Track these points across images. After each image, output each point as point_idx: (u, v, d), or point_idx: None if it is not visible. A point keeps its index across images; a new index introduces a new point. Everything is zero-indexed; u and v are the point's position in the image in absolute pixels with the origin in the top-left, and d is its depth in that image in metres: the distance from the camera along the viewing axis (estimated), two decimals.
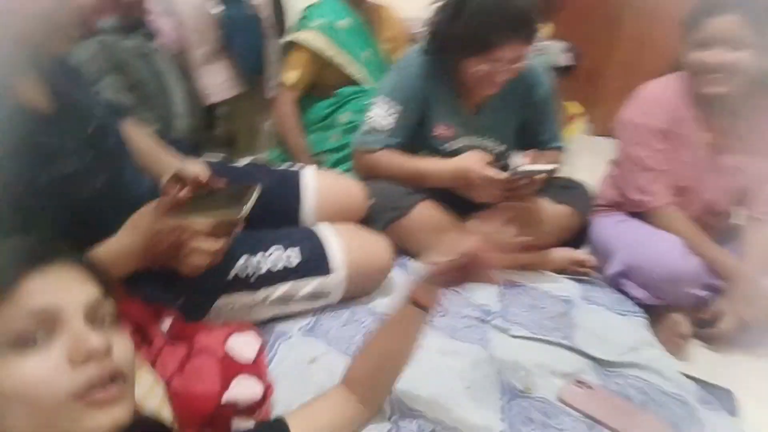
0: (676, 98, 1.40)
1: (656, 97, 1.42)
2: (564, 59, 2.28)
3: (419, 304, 0.80)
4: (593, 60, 3.02)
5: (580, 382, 1.03)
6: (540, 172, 1.23)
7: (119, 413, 0.49)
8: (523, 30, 1.19)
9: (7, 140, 0.67)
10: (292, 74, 1.78)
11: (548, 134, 1.46)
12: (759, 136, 1.40)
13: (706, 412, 1.02)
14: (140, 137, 1.04)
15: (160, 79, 1.41)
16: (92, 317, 0.51)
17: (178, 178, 0.98)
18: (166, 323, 0.87)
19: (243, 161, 1.36)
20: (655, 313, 1.32)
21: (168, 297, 0.92)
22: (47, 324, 0.48)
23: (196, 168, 1.01)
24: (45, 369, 0.46)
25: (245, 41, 1.70)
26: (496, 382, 1.01)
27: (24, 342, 0.46)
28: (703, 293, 1.34)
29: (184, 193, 0.83)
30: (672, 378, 1.09)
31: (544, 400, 0.99)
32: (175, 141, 1.17)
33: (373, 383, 0.80)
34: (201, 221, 0.82)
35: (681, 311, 1.32)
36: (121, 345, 0.52)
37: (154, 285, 0.89)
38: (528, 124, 1.45)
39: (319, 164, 1.81)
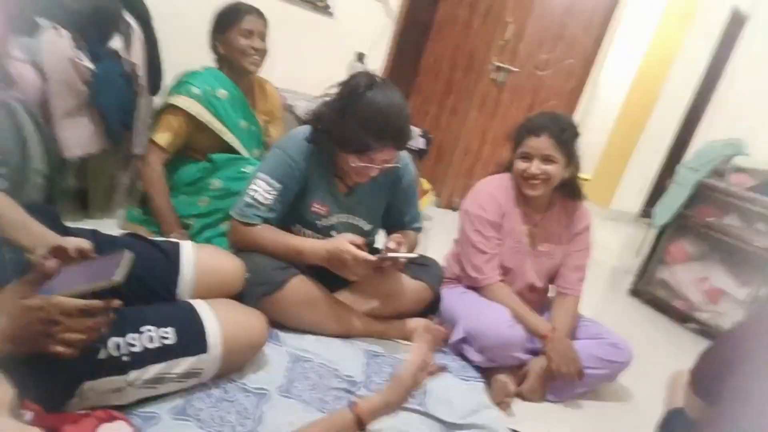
0: (505, 196, 1.72)
1: (490, 194, 1.72)
2: (419, 143, 2.58)
3: (360, 420, 0.91)
4: (440, 143, 3.45)
5: None
6: (405, 257, 1.40)
7: None
8: (397, 140, 1.38)
9: None
10: (165, 135, 1.77)
11: (410, 216, 1.66)
12: (561, 226, 1.77)
13: None
14: (3, 205, 0.97)
15: (17, 131, 1.30)
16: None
17: (58, 251, 0.94)
18: (27, 416, 0.81)
19: (116, 229, 1.30)
20: (485, 374, 1.56)
21: (25, 385, 0.85)
22: None
23: (78, 240, 0.96)
24: None
25: (115, 98, 1.66)
26: None
27: None
28: (524, 356, 1.62)
29: (52, 264, 0.79)
30: None
31: None
32: (40, 208, 1.10)
33: None
34: (72, 296, 0.78)
35: (507, 373, 1.58)
36: None
37: (9, 373, 0.83)
38: (394, 206, 1.64)
39: (185, 227, 1.78)
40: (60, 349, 0.78)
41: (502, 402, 1.50)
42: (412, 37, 3.38)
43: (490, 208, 1.70)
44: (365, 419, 0.94)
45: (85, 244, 0.93)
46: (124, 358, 0.98)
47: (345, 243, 1.33)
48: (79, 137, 1.61)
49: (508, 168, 1.77)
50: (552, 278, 1.83)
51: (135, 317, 1.03)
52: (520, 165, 1.65)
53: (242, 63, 1.84)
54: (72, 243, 0.91)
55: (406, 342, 1.57)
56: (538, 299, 1.83)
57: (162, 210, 1.75)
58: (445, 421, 1.28)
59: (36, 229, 0.97)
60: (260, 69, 1.92)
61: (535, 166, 1.62)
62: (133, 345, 0.99)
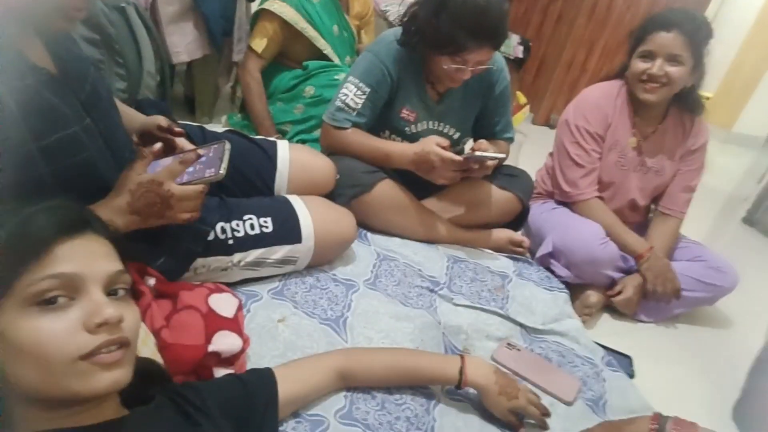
0: (612, 105, 1.59)
1: (595, 102, 1.59)
2: (518, 51, 2.42)
3: (463, 380, 0.93)
4: (542, 55, 3.21)
5: (510, 345, 1.20)
6: (491, 158, 1.36)
7: (120, 375, 0.55)
8: (494, 38, 1.30)
9: (20, 98, 0.70)
10: (262, 42, 1.81)
11: (502, 125, 1.60)
12: (675, 141, 1.62)
13: (609, 373, 1.24)
14: None
15: (132, 35, 1.40)
16: (109, 288, 0.57)
17: (143, 133, 1.04)
18: (151, 281, 0.93)
19: (220, 128, 1.39)
20: (573, 289, 1.53)
21: (149, 257, 0.98)
22: (70, 289, 0.53)
23: (157, 118, 1.05)
24: (61, 329, 0.52)
25: (217, 4, 1.70)
26: (440, 344, 1.16)
27: (46, 301, 0.52)
28: (616, 275, 1.57)
29: (158, 146, 0.88)
30: (584, 344, 1.30)
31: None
32: (153, 103, 1.20)
33: (364, 382, 0.93)
34: (174, 166, 0.85)
35: (595, 288, 1.54)
36: (131, 316, 0.58)
37: (137, 245, 0.95)
38: (485, 114, 1.59)
39: (282, 134, 1.86)
40: (181, 215, 0.86)
41: (585, 314, 1.48)
42: None
43: (594, 119, 1.58)
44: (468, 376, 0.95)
45: (162, 121, 1.02)
46: (229, 242, 1.08)
47: (432, 144, 1.32)
48: (184, 43, 1.69)
49: (618, 74, 1.62)
50: (656, 197, 1.71)
51: (238, 207, 1.13)
52: (640, 65, 1.48)
53: None
54: (151, 121, 1.01)
55: (489, 251, 1.58)
56: (637, 218, 1.73)
57: (259, 115, 1.84)
58: (525, 326, 1.30)
59: (134, 115, 1.06)
60: None
61: (658, 67, 1.45)
62: (236, 230, 1.09)
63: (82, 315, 0.53)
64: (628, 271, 1.59)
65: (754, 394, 1.26)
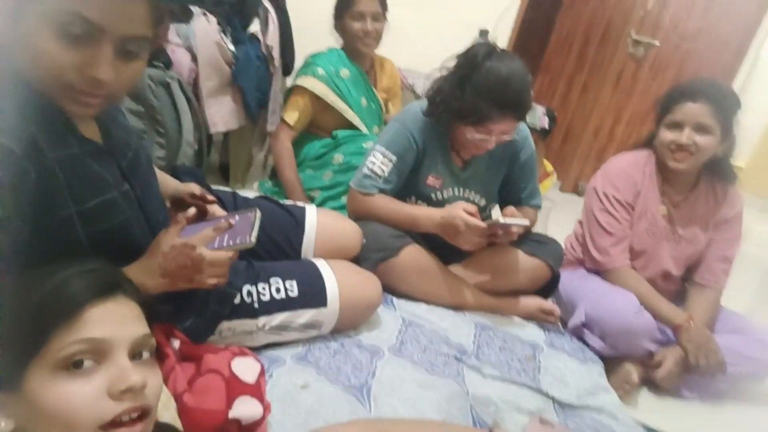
0: (640, 173, 1.58)
1: (623, 170, 1.59)
2: (543, 122, 2.47)
3: None
4: (569, 124, 3.27)
5: (543, 420, 1.14)
6: (518, 225, 1.36)
7: None
8: (517, 109, 1.34)
9: (65, 166, 0.75)
10: (294, 114, 1.90)
11: (528, 192, 1.61)
12: (707, 210, 1.59)
13: None
14: None
15: (175, 108, 1.50)
16: (135, 352, 0.58)
17: (177, 200, 1.08)
18: (176, 343, 0.94)
19: (252, 194, 1.45)
20: (609, 362, 1.46)
21: (176, 319, 0.99)
22: (97, 353, 0.54)
23: (191, 186, 1.10)
24: (85, 395, 0.52)
25: (254, 78, 1.82)
26: (468, 415, 1.11)
27: (73, 365, 0.53)
28: (653, 346, 1.49)
29: (191, 212, 0.92)
30: (623, 421, 1.22)
31: None
32: (189, 170, 1.26)
33: None
34: (206, 233, 0.87)
35: (632, 361, 1.46)
36: (153, 381, 0.58)
37: (165, 306, 0.97)
38: (510, 181, 1.60)
39: (311, 199, 1.91)
40: (209, 280, 0.88)
41: (623, 389, 1.40)
42: (541, 11, 3.23)
43: (623, 186, 1.57)
44: None
45: (196, 189, 1.07)
46: (255, 305, 1.09)
47: (458, 209, 1.34)
48: (222, 114, 1.80)
49: (645, 144, 1.63)
50: (690, 267, 1.66)
51: (265, 270, 1.14)
52: (668, 135, 1.49)
53: (356, 45, 1.91)
54: (185, 189, 1.05)
55: (518, 318, 1.53)
56: (672, 289, 1.67)
57: (290, 182, 1.90)
58: (558, 399, 1.24)
59: (171, 183, 1.11)
60: (375, 48, 1.96)
61: (687, 136, 1.45)
62: (263, 293, 1.10)
63: (107, 381, 0.54)
64: (666, 344, 1.51)
65: None
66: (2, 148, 0.65)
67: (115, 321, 0.57)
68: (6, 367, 0.54)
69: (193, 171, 1.26)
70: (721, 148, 1.49)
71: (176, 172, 1.20)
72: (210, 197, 1.10)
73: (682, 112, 1.46)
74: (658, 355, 1.47)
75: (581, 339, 1.51)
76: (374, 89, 2.03)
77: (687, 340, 1.45)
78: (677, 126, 1.47)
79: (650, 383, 1.49)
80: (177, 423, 0.79)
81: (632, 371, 1.43)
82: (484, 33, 2.72)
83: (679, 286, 1.69)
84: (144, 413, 0.55)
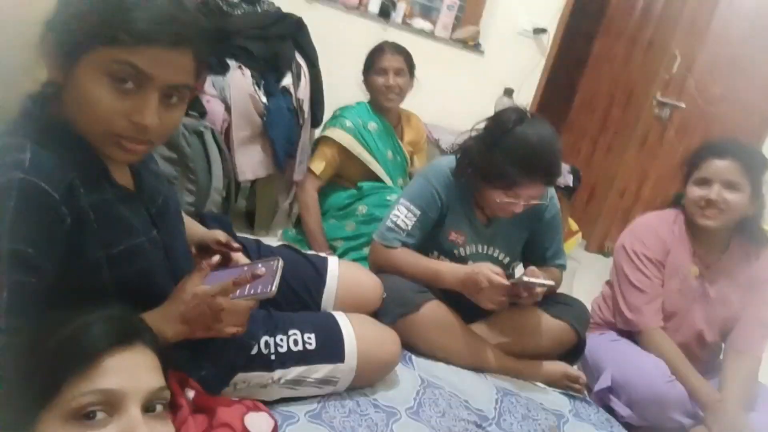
0: (670, 231, 1.55)
1: (653, 229, 1.55)
2: (568, 180, 2.46)
3: None
4: (594, 183, 3.25)
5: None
6: (542, 285, 1.33)
7: None
8: (546, 176, 1.34)
9: (97, 210, 0.76)
10: (321, 165, 1.94)
11: (552, 251, 1.58)
12: (740, 272, 1.53)
13: None
14: None
15: (206, 156, 1.54)
16: (148, 405, 0.57)
17: (202, 246, 1.09)
18: (190, 394, 0.92)
19: (275, 242, 1.46)
20: None
21: (191, 367, 0.97)
22: (110, 405, 0.53)
23: (216, 233, 1.11)
24: None
25: (284, 129, 1.87)
26: None
27: (84, 416, 0.52)
28: (685, 420, 1.40)
29: (215, 260, 0.92)
30: None
31: None
32: (216, 217, 1.27)
33: None
34: (227, 284, 0.86)
35: None
36: None
37: (180, 355, 0.95)
38: (534, 240, 1.58)
39: (333, 249, 1.91)
40: (228, 329, 0.87)
41: None
42: (565, 72, 3.29)
43: (652, 244, 1.53)
44: None
45: (221, 236, 1.07)
46: (272, 356, 1.07)
47: (484, 267, 1.31)
48: (251, 163, 1.83)
49: (673, 204, 1.60)
50: (725, 333, 1.58)
51: (284, 321, 1.13)
52: (696, 192, 1.46)
53: (380, 100, 1.96)
54: (211, 236, 1.06)
55: (542, 385, 1.47)
56: (706, 357, 1.58)
57: (313, 231, 1.91)
58: None
59: (196, 229, 1.12)
60: (398, 103, 2.01)
61: (716, 193, 1.42)
62: (280, 345, 1.08)
63: None
64: (698, 418, 1.42)
65: None
66: (42, 192, 0.67)
67: (131, 372, 0.56)
68: (15, 413, 0.53)
69: (220, 218, 1.28)
70: (752, 209, 1.45)
71: (204, 219, 1.22)
72: (235, 245, 1.11)
73: (709, 170, 1.45)
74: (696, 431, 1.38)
75: (607, 406, 1.44)
76: (400, 142, 2.07)
77: (713, 422, 1.36)
78: (705, 182, 1.45)
79: None
80: None
81: None
82: (509, 91, 2.76)
83: (713, 355, 1.60)
84: None
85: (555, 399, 1.42)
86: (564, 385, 1.48)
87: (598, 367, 1.52)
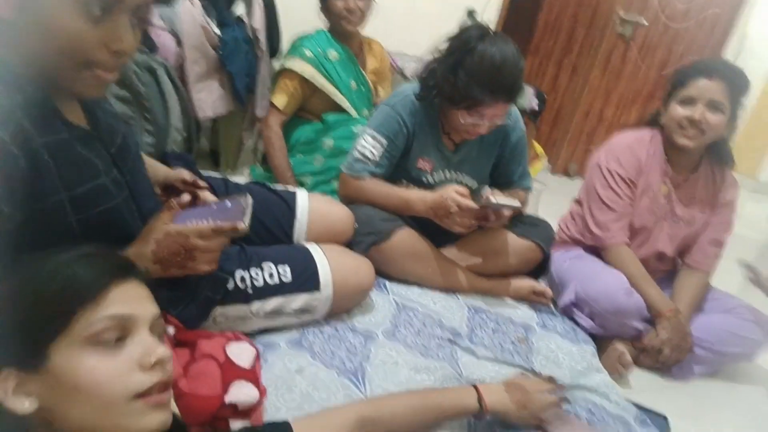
0: (644, 151, 1.57)
1: (628, 147, 1.58)
2: (533, 103, 2.46)
3: (483, 407, 0.94)
4: (559, 106, 3.27)
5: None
6: (509, 207, 1.36)
7: (167, 416, 0.58)
8: (509, 94, 1.33)
9: (54, 152, 0.73)
10: (283, 98, 1.88)
11: (518, 174, 1.61)
12: (706, 192, 1.59)
13: (643, 431, 1.16)
14: None
15: (162, 93, 1.47)
16: (154, 331, 0.60)
17: (167, 186, 1.07)
18: (170, 330, 0.93)
19: (242, 180, 1.44)
20: (599, 341, 1.48)
21: (169, 305, 0.98)
22: (123, 330, 0.56)
23: (181, 172, 1.09)
24: (117, 367, 0.54)
25: (241, 62, 1.78)
26: None
27: (101, 342, 0.54)
28: (641, 326, 1.51)
29: (185, 198, 0.90)
30: (615, 401, 1.23)
31: None
32: (179, 156, 1.24)
33: (386, 430, 0.89)
34: (204, 225, 0.86)
35: (623, 341, 1.48)
36: (170, 358, 0.60)
37: (156, 293, 0.96)
38: (501, 163, 1.60)
39: (301, 184, 1.90)
40: (202, 267, 0.87)
41: (614, 369, 1.42)
42: None
43: (627, 163, 1.56)
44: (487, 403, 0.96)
45: (186, 174, 1.05)
46: (248, 290, 1.09)
47: (450, 191, 1.33)
48: (210, 100, 1.77)
49: (650, 122, 1.62)
50: (683, 249, 1.67)
51: (258, 255, 1.14)
52: (680, 111, 1.47)
53: (341, 24, 1.87)
54: (175, 174, 1.03)
55: (511, 300, 1.54)
56: (664, 270, 1.68)
57: (280, 168, 1.88)
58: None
59: (159, 168, 1.10)
60: (359, 26, 1.92)
61: (700, 113, 1.44)
62: (255, 278, 1.10)
63: (136, 354, 0.56)
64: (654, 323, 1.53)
65: None
66: None
67: (136, 300, 0.59)
68: (24, 348, 0.54)
69: (183, 157, 1.25)
70: (727, 130, 1.49)
71: (166, 159, 1.19)
72: (201, 183, 1.09)
73: (696, 88, 1.45)
74: (644, 340, 1.49)
75: (571, 318, 1.53)
76: (363, 72, 2.01)
77: (662, 329, 1.46)
78: (690, 101, 1.46)
79: (640, 363, 1.51)
80: (173, 409, 0.79)
81: (625, 353, 1.45)
82: (471, 14, 2.69)
83: (671, 267, 1.70)
84: (168, 386, 0.58)
85: (523, 313, 1.50)
86: (531, 299, 1.56)
87: (563, 282, 1.60)
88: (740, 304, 1.58)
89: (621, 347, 1.45)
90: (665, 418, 1.27)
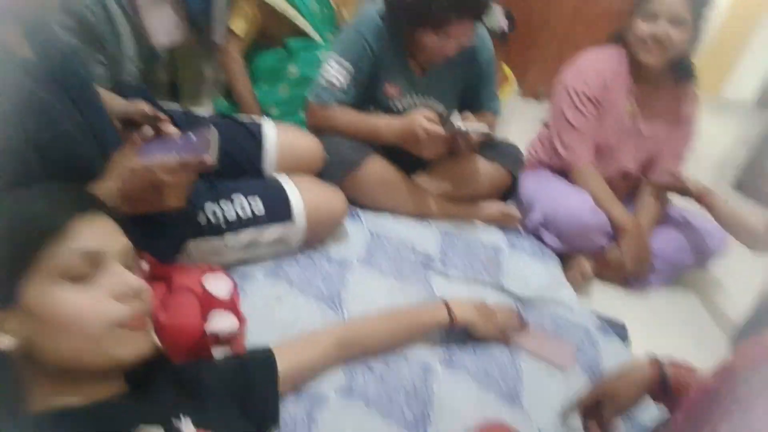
0: (610, 69, 1.58)
1: (593, 66, 1.58)
2: (502, 24, 2.40)
3: (453, 318, 0.96)
4: (528, 27, 3.19)
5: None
6: (478, 132, 1.36)
7: (149, 342, 0.60)
8: (475, 10, 1.29)
9: (13, 96, 0.70)
10: (241, 23, 1.78)
11: (487, 97, 1.60)
12: (669, 109, 1.62)
13: (604, 339, 1.25)
14: None
15: (111, 21, 1.37)
16: (125, 263, 0.60)
17: (126, 120, 1.03)
18: (144, 264, 0.93)
19: (205, 112, 1.38)
20: (564, 258, 1.55)
21: (140, 241, 0.97)
22: (93, 264, 0.56)
23: (140, 104, 1.03)
24: (92, 298, 0.55)
25: None
26: None
27: (72, 276, 0.54)
28: (604, 241, 1.58)
29: (148, 132, 0.88)
30: (578, 312, 1.32)
31: None
32: (135, 87, 1.18)
33: (363, 352, 0.94)
34: (170, 159, 0.84)
35: (586, 256, 1.56)
36: (148, 288, 0.61)
37: (128, 230, 0.95)
38: (470, 86, 1.58)
39: (267, 116, 1.84)
40: (171, 202, 0.86)
41: (577, 282, 1.50)
42: None
43: (593, 82, 1.57)
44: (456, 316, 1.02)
45: (145, 107, 0.99)
46: (220, 223, 1.09)
47: (419, 117, 1.32)
48: (164, 27, 1.66)
49: (615, 40, 1.61)
50: (647, 167, 1.72)
51: (227, 188, 1.13)
52: (643, 27, 1.47)
53: None
54: (135, 107, 0.99)
55: (481, 224, 1.58)
56: (627, 186, 1.74)
57: (244, 98, 1.81)
58: (519, 297, 1.32)
59: (116, 102, 1.05)
60: None
61: (662, 28, 1.44)
62: (227, 211, 1.10)
63: (110, 286, 0.56)
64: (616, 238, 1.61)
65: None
66: None
67: (104, 233, 0.58)
68: None
69: (139, 89, 1.19)
70: (689, 45, 1.49)
71: (121, 91, 1.13)
72: (162, 116, 1.05)
73: (659, 2, 1.44)
74: (610, 253, 1.56)
75: (539, 238, 1.59)
76: None
77: (624, 243, 1.53)
78: (653, 16, 1.45)
79: (601, 276, 1.59)
80: (155, 341, 0.81)
81: (586, 265, 1.53)
82: None
83: (634, 186, 1.76)
84: (146, 314, 0.59)
85: (493, 235, 1.54)
86: (501, 221, 1.60)
87: (530, 203, 1.64)
88: (694, 217, 1.66)
89: (583, 261, 1.53)
90: (623, 326, 1.37)
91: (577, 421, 0.88)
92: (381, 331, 0.94)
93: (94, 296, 0.55)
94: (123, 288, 0.56)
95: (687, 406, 0.45)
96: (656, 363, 0.83)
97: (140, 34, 1.55)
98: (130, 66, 1.47)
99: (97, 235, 0.57)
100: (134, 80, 1.50)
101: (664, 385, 0.80)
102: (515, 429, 0.83)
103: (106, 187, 0.82)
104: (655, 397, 0.84)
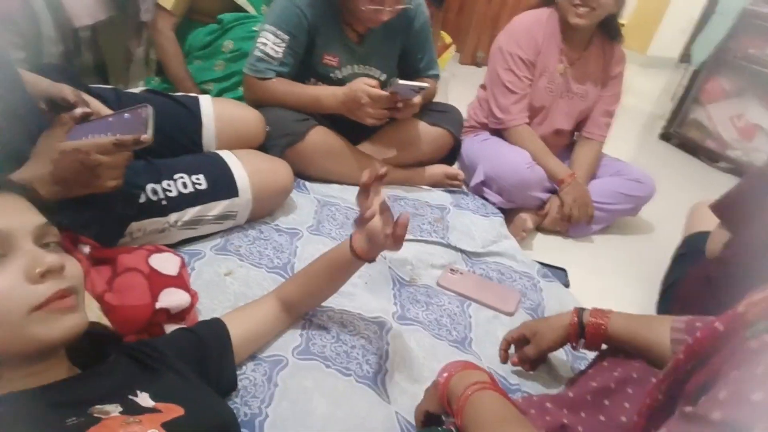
0: (543, 31, 1.63)
1: (527, 29, 1.63)
2: None
3: (357, 254, 0.92)
4: None
5: (453, 270, 1.27)
6: (417, 87, 1.36)
7: (79, 319, 0.56)
8: None
9: None
10: None
11: (425, 62, 1.62)
12: (597, 68, 1.70)
13: (546, 284, 1.33)
14: None
15: (26, 1, 1.29)
16: (40, 241, 0.56)
17: (52, 102, 0.97)
18: (86, 249, 0.91)
19: (138, 89, 1.33)
20: (508, 213, 1.62)
21: (79, 225, 0.95)
22: (2, 245, 0.53)
23: (62, 88, 0.97)
24: (4, 284, 0.52)
25: None
26: (388, 277, 1.21)
27: None
28: (544, 196, 1.67)
29: (78, 112, 0.85)
30: (521, 261, 1.39)
31: (426, 286, 1.22)
32: (58, 67, 1.13)
33: (302, 303, 0.95)
34: (104, 139, 0.82)
35: (527, 210, 1.64)
36: (71, 264, 0.58)
37: (64, 215, 0.92)
38: (408, 52, 1.59)
39: (205, 93, 1.79)
40: (107, 183, 0.84)
41: (520, 235, 1.57)
42: None
43: (526, 45, 1.62)
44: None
45: (68, 92, 0.93)
46: (163, 202, 1.07)
47: (360, 83, 1.33)
48: (84, 4, 1.57)
49: (547, 2, 1.66)
50: (579, 123, 1.80)
51: (167, 167, 1.11)
52: None
53: None
54: (58, 90, 0.94)
55: (427, 187, 1.63)
56: (562, 143, 1.82)
57: (178, 76, 1.75)
58: (466, 251, 1.37)
59: (40, 83, 1.00)
60: None
61: None
62: (168, 190, 1.08)
63: (21, 267, 0.53)
64: (555, 191, 1.69)
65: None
66: None
67: (11, 212, 0.55)
68: None
69: (62, 69, 1.13)
70: (615, 6, 1.55)
71: (48, 74, 1.07)
72: (87, 97, 1.00)
73: None
74: (548, 204, 1.65)
75: (483, 197, 1.65)
76: None
77: (566, 193, 1.62)
78: None
79: (542, 228, 1.68)
80: (104, 322, 0.80)
81: (527, 219, 1.61)
82: None
83: (568, 141, 1.85)
84: (70, 292, 0.55)
85: (438, 196, 1.59)
86: (446, 183, 1.65)
87: (473, 165, 1.70)
88: (626, 167, 1.77)
89: (525, 215, 1.61)
90: (564, 271, 1.46)
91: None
92: (307, 279, 0.95)
93: (6, 280, 0.52)
94: (35, 268, 0.53)
95: (693, 347, 0.48)
96: (576, 311, 0.90)
97: (59, 14, 1.47)
98: (50, 47, 1.39)
99: (3, 215, 0.54)
100: (59, 62, 1.42)
101: (581, 330, 0.88)
102: (481, 365, 0.87)
103: (35, 170, 0.80)
104: (571, 342, 0.91)
